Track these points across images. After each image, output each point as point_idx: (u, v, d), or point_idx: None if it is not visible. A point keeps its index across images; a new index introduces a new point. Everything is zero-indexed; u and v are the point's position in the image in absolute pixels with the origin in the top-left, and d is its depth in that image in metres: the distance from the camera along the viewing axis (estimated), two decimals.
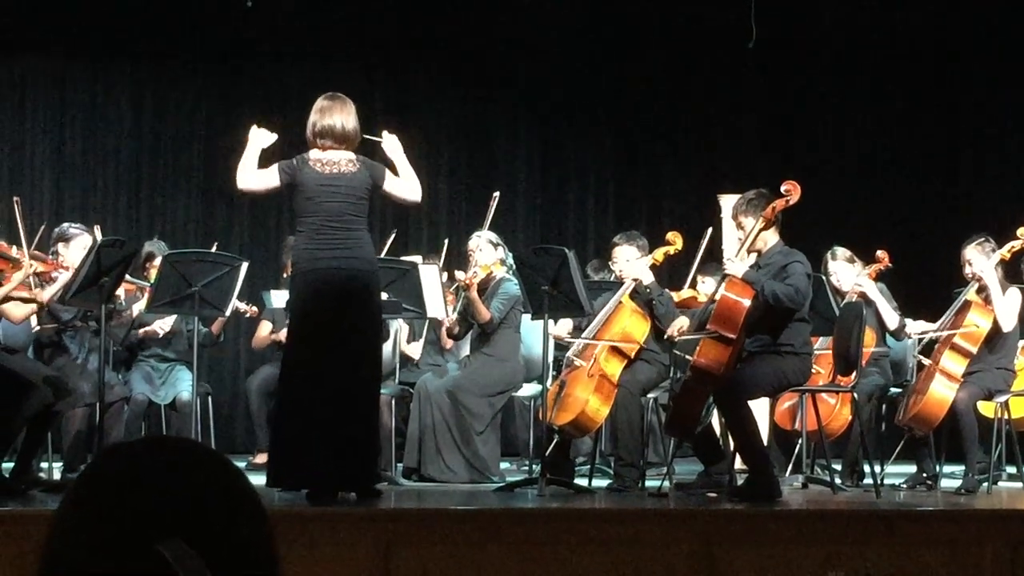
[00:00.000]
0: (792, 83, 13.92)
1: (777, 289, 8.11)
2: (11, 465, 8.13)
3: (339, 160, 7.77)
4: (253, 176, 7.85)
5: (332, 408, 7.51)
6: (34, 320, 9.09)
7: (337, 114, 7.81)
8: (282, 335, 10.85)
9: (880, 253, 10.07)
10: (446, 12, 13.53)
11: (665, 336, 9.12)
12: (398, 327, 10.26)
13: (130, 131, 13.64)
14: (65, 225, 9.51)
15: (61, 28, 12.99)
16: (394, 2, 13.49)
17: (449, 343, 10.64)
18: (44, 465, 9.25)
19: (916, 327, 9.83)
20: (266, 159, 7.90)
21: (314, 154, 7.79)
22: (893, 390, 10.06)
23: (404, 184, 7.95)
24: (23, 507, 7.13)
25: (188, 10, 13.09)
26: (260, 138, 7.89)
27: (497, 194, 10.21)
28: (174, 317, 10.00)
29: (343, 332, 7.59)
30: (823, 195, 12.16)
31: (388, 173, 7.91)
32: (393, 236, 10.75)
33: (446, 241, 10.76)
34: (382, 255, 10.30)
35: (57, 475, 9.06)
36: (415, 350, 10.78)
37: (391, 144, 8.05)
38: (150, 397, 10.00)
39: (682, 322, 9.05)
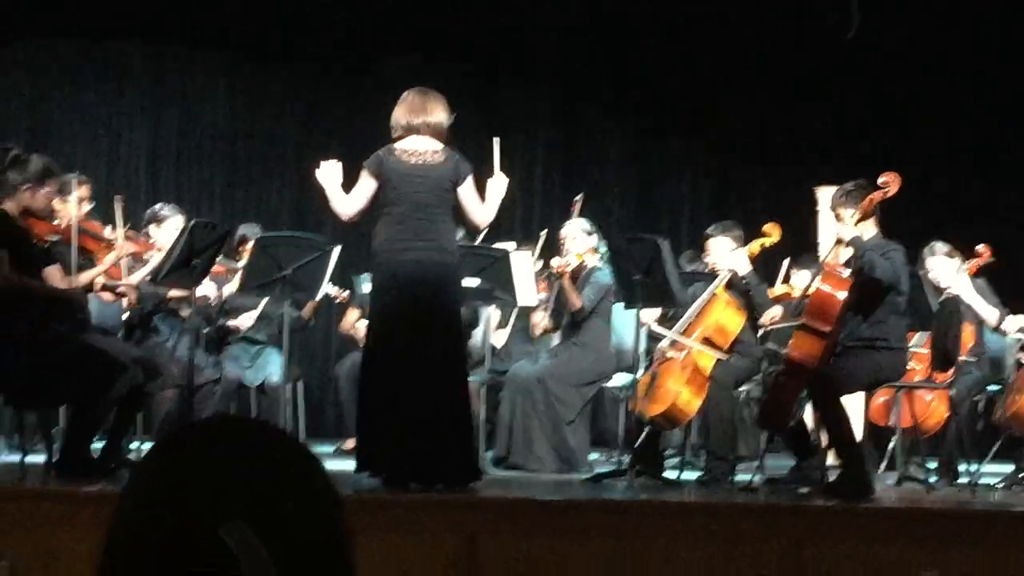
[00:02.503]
0: (893, 72, 13.72)
1: (876, 260, 7.98)
2: (101, 445, 8.15)
3: (425, 150, 7.72)
4: (348, 202, 7.80)
5: (417, 398, 7.49)
6: (124, 302, 9.12)
7: (425, 108, 7.76)
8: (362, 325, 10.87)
9: (980, 248, 9.89)
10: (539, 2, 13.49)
11: (758, 324, 9.03)
12: (488, 314, 10.20)
13: (225, 115, 13.69)
14: (158, 206, 9.56)
15: (158, 14, 13.05)
16: None
17: (539, 331, 10.59)
18: (133, 446, 9.27)
19: (1015, 323, 9.64)
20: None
21: (400, 144, 7.75)
22: (991, 388, 9.90)
23: (480, 207, 7.86)
24: (111, 487, 7.14)
25: None
26: (329, 175, 7.85)
27: (580, 196, 10.10)
28: (258, 312, 10.03)
29: (425, 323, 7.56)
30: (923, 187, 11.99)
31: (471, 179, 7.83)
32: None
33: (544, 232, 10.62)
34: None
35: None
36: (500, 338, 10.72)
37: (498, 184, 7.97)
38: (241, 378, 10.02)
39: (775, 311, 8.94)
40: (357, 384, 10.61)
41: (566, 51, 13.81)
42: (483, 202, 7.84)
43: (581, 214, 10.07)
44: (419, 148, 7.72)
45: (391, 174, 7.67)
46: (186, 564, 1.43)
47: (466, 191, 7.79)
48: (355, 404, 10.76)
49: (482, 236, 9.14)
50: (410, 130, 7.74)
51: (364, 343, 7.96)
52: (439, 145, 7.75)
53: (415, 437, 7.46)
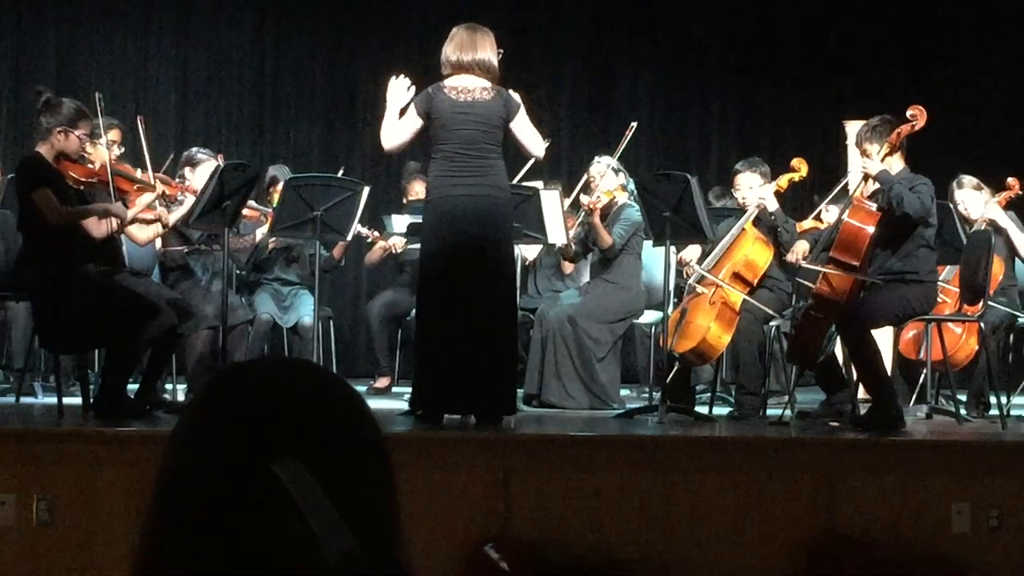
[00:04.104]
0: (920, 5, 13.66)
1: (904, 194, 7.98)
2: (136, 386, 8.23)
3: (474, 88, 7.74)
4: (395, 131, 7.83)
5: (469, 334, 7.53)
6: (159, 243, 9.19)
7: (475, 45, 7.77)
8: (392, 244, 10.87)
9: (1011, 180, 9.88)
10: None
11: (786, 260, 9.04)
12: (519, 253, 10.23)
13: (254, 56, 13.68)
14: (193, 150, 9.60)
15: None
16: None
17: (569, 268, 10.62)
18: (168, 387, 9.35)
19: None
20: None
21: (449, 82, 7.77)
22: (1021, 320, 9.90)
23: (537, 138, 7.94)
24: (147, 427, 7.22)
25: None
26: (398, 93, 7.86)
27: (635, 124, 10.10)
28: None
29: (477, 260, 7.61)
30: (951, 121, 11.96)
31: (523, 112, 7.86)
32: (531, 163, 10.62)
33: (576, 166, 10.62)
34: (515, 181, 10.28)
35: (181, 397, 9.18)
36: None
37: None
38: (274, 318, 10.08)
39: (803, 247, 8.94)
40: (395, 322, 10.79)
41: None
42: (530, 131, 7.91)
43: (625, 148, 10.06)
44: (468, 85, 7.73)
45: (439, 111, 7.69)
46: (239, 500, 1.47)
47: (520, 124, 7.83)
48: (386, 340, 10.93)
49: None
50: (459, 67, 7.75)
51: (418, 284, 8.01)
52: (487, 83, 7.77)
53: (460, 369, 7.52)
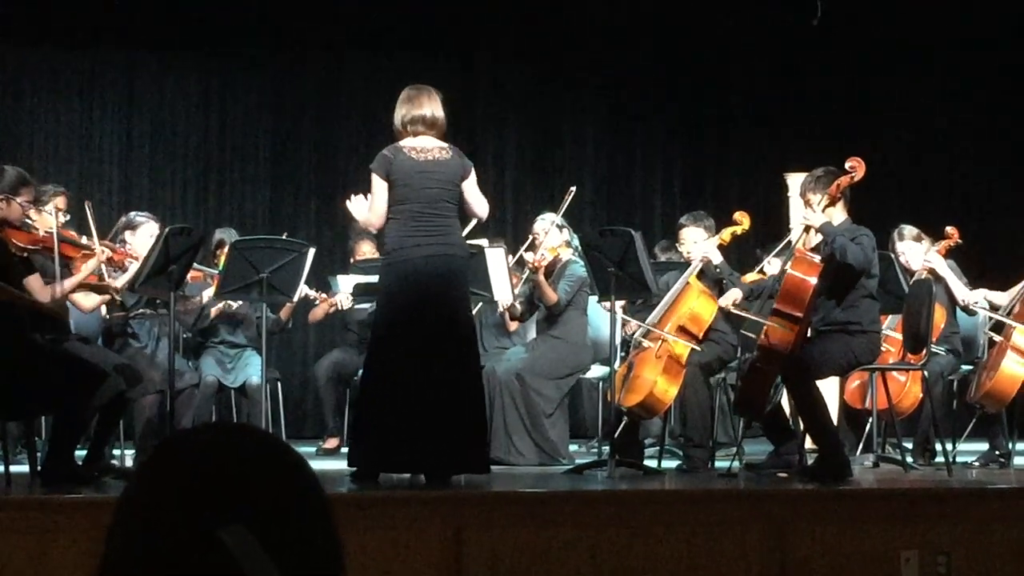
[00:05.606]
0: (859, 59, 13.80)
1: (847, 245, 8.05)
2: (84, 453, 8.19)
3: (432, 147, 7.79)
4: (373, 211, 7.85)
5: (432, 394, 7.53)
6: (103, 309, 9.17)
7: (425, 103, 7.83)
8: (338, 300, 10.85)
9: (949, 230, 9.98)
10: None
11: (719, 306, 9.07)
12: None
13: (197, 121, 13.68)
14: (132, 213, 9.58)
15: (129, 20, 13.05)
16: None
17: (514, 326, 10.64)
18: (116, 452, 9.31)
19: (988, 295, 9.76)
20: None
21: (407, 142, 7.80)
22: (964, 367, 9.99)
23: (483, 200, 8.00)
24: (96, 494, 7.18)
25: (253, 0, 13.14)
26: (359, 206, 7.96)
27: (573, 188, 10.15)
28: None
29: (440, 319, 7.61)
30: (891, 172, 12.08)
31: (473, 174, 7.93)
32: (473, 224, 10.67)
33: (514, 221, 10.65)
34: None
35: (129, 462, 9.14)
36: None
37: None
38: (220, 380, 10.06)
39: (735, 294, 8.98)
40: (343, 382, 10.76)
41: (535, 40, 13.85)
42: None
43: (569, 206, 10.10)
44: (427, 145, 7.78)
45: (400, 172, 7.71)
46: (186, 566, 1.48)
47: (471, 185, 7.90)
48: (334, 401, 10.91)
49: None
50: (432, 126, 7.81)
51: (370, 341, 8.00)
52: (444, 143, 7.84)
53: (421, 429, 7.50)
